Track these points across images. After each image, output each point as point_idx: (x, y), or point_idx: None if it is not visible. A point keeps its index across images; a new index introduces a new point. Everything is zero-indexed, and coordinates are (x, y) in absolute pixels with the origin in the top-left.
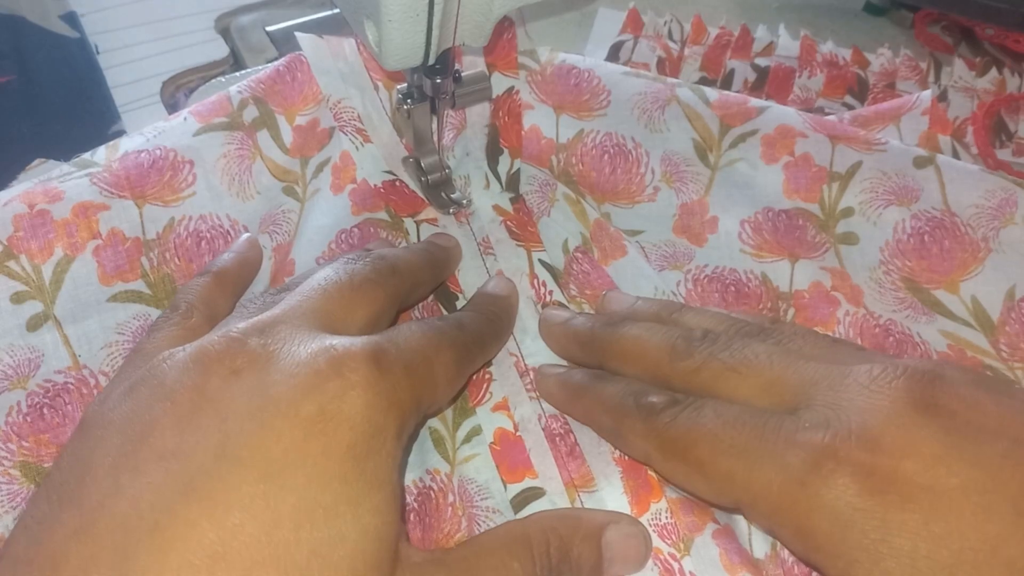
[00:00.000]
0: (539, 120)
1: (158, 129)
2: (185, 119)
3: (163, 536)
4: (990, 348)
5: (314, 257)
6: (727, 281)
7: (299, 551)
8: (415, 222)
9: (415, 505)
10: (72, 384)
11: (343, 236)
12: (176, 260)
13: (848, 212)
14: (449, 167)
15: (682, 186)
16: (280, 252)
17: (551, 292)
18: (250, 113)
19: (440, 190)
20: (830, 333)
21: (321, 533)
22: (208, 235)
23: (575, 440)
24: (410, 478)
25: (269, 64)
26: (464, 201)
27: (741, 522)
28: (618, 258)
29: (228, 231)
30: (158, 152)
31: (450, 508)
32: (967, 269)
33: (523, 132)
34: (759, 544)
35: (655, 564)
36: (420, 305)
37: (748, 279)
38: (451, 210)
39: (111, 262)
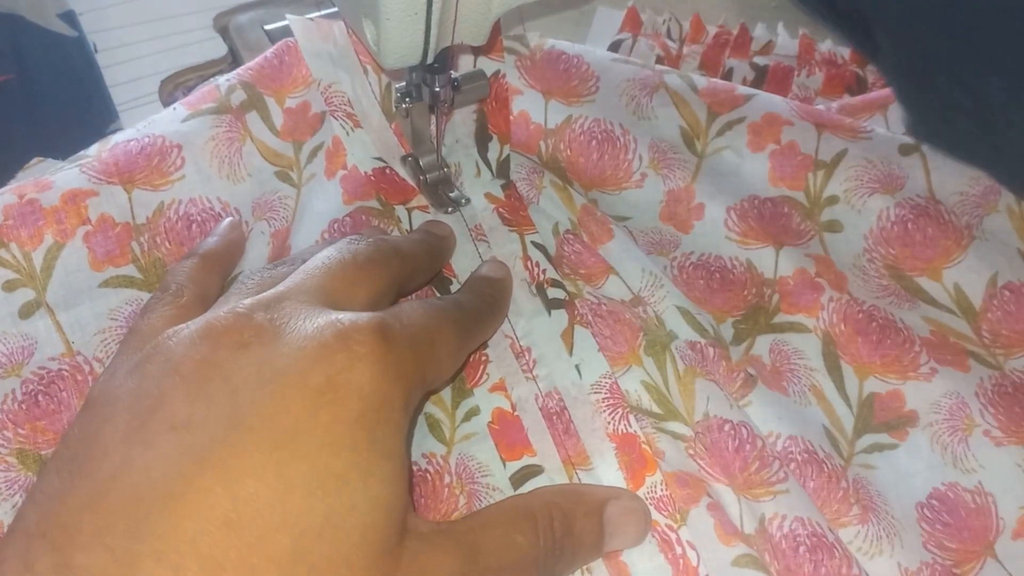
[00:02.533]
0: (528, 105)
1: (148, 121)
2: (175, 109)
3: (177, 504)
4: (972, 334)
5: (307, 246)
6: (712, 268)
7: (312, 518)
8: (407, 209)
9: None
10: (67, 371)
11: (335, 225)
12: (167, 244)
13: (833, 200)
14: (448, 165)
15: (669, 173)
16: (278, 238)
17: (544, 271)
18: (238, 97)
19: (439, 188)
20: (813, 319)
21: (333, 501)
22: (199, 218)
23: (570, 418)
24: None
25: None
26: (463, 200)
27: (731, 503)
28: (605, 242)
29: (219, 214)
30: (147, 139)
31: (447, 489)
32: (950, 256)
33: (512, 117)
34: (748, 521)
35: (653, 535)
36: (416, 295)
37: (733, 265)
38: (449, 209)
39: (101, 247)
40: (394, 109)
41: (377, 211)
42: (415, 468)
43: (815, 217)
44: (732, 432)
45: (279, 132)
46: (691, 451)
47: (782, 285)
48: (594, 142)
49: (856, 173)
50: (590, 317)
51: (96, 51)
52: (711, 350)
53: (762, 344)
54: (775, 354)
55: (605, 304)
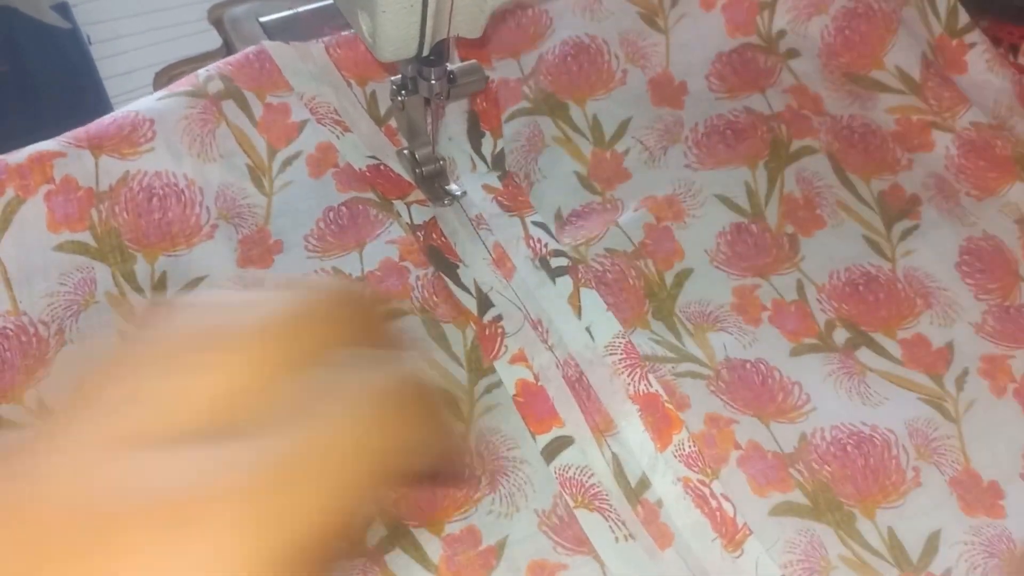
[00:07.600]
0: (501, 72)
1: (127, 106)
2: (153, 94)
3: None
4: (923, 105)
5: (302, 235)
6: (722, 128)
7: None
8: (405, 204)
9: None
10: (11, 330)
11: (331, 214)
12: (125, 215)
13: (782, 34)
14: (443, 158)
15: (645, 63)
16: (247, 243)
17: (546, 245)
18: (215, 85)
19: (435, 182)
20: (817, 140)
21: None
22: (160, 192)
23: (589, 383)
24: None
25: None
26: (459, 193)
27: (763, 433)
28: (622, 163)
29: (183, 191)
30: (120, 114)
31: (466, 470)
32: (885, 43)
33: (492, 85)
34: (788, 440)
35: (687, 491)
36: (421, 284)
37: (736, 117)
38: (446, 201)
39: (61, 209)
40: (391, 102)
41: (376, 203)
42: None
43: (776, 52)
44: (754, 369)
45: (257, 122)
46: (712, 388)
47: (782, 118)
48: (569, 58)
49: (793, 4)
50: (595, 285)
51: (90, 43)
52: (754, 227)
53: (789, 177)
54: (801, 184)
55: (610, 271)
